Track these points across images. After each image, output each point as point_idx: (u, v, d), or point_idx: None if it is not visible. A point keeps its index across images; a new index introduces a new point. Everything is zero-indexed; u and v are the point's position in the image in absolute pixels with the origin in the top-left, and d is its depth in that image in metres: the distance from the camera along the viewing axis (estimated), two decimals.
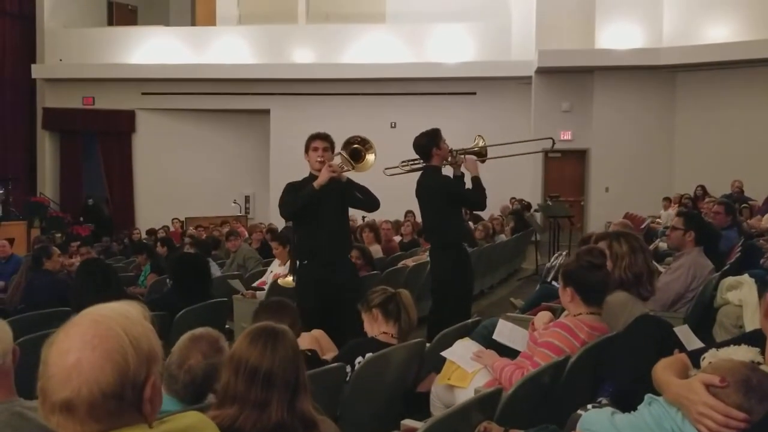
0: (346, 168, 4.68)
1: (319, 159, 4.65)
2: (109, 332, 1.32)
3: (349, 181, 4.71)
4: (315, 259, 4.69)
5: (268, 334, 2.00)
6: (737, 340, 2.01)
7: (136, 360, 1.32)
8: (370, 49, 16.98)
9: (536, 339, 3.17)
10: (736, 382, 1.71)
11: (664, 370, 1.92)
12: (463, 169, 5.27)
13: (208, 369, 2.48)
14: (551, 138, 5.95)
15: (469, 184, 5.26)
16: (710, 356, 1.94)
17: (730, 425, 1.68)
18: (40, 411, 1.33)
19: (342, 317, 4.44)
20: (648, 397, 1.91)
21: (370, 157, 4.81)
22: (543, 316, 3.42)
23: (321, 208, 4.57)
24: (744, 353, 1.89)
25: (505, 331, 3.65)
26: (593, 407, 2.23)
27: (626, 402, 2.20)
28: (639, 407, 1.91)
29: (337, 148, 4.83)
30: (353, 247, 5.46)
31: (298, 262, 4.86)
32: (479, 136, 5.46)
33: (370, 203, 4.85)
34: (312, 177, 4.70)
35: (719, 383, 1.71)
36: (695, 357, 2.02)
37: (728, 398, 1.70)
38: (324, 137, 4.74)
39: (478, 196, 5.17)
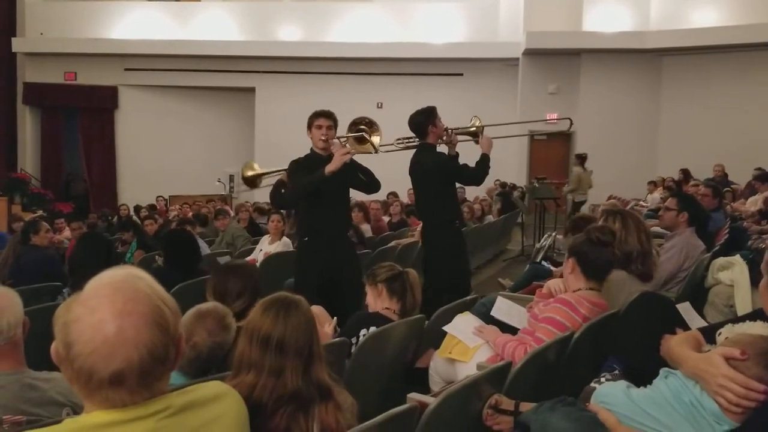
0: (354, 150, 4.69)
1: (322, 137, 4.64)
2: (139, 294, 1.29)
3: (353, 161, 4.70)
4: (316, 236, 4.69)
5: (280, 303, 2.03)
6: (752, 316, 2.03)
7: (172, 316, 1.31)
8: (357, 27, 16.87)
9: (537, 315, 3.19)
10: (757, 354, 1.73)
11: (680, 344, 1.93)
12: (466, 147, 5.27)
13: (214, 347, 2.48)
14: (569, 118, 5.90)
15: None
16: (726, 331, 1.96)
17: (750, 397, 1.70)
18: (80, 392, 1.27)
19: (339, 294, 4.45)
20: (664, 370, 1.92)
21: (375, 139, 4.83)
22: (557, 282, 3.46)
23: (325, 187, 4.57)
24: (760, 328, 1.91)
25: (504, 308, 3.67)
26: (607, 380, 2.25)
27: (634, 378, 2.22)
28: (655, 381, 1.92)
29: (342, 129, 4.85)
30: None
31: (299, 239, 4.88)
32: (475, 116, 5.45)
33: (371, 185, 4.86)
34: (314, 154, 4.70)
35: (739, 356, 1.73)
36: (708, 334, 2.04)
37: (748, 370, 1.71)
38: (328, 115, 4.71)
39: (478, 171, 5.15)
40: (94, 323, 1.24)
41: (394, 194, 11.37)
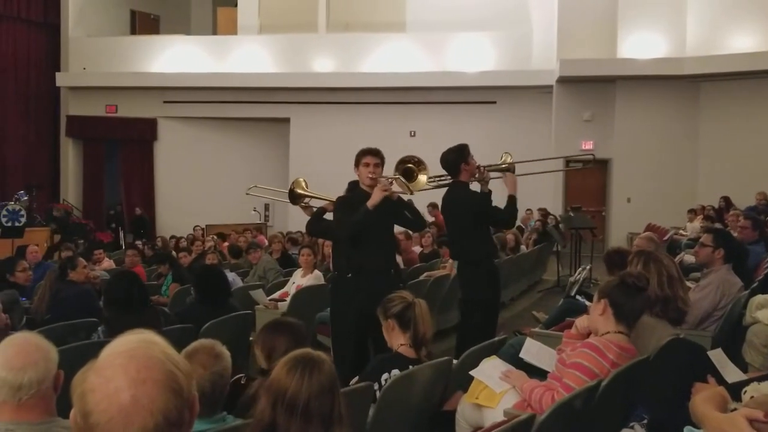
0: (401, 190, 4.70)
1: (370, 175, 4.67)
2: (152, 361, 1.31)
3: (400, 199, 4.72)
4: (360, 272, 4.69)
5: (305, 363, 2.00)
6: None
7: (185, 380, 1.32)
8: (389, 58, 17.01)
9: (565, 360, 3.15)
10: None
11: (704, 403, 1.89)
12: (498, 184, 5.24)
13: (214, 378, 2.50)
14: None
15: (497, 202, 5.23)
16: (752, 390, 1.91)
17: None
18: None
19: (377, 332, 4.43)
20: (687, 429, 1.88)
21: (422, 178, 4.83)
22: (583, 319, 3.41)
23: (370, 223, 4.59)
24: None
25: (533, 350, 3.62)
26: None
27: (662, 430, 2.17)
28: None
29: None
30: None
31: (338, 274, 4.91)
32: (506, 153, 5.42)
33: (418, 223, 4.86)
34: (362, 192, 4.74)
35: (762, 418, 1.68)
36: (734, 390, 1.99)
37: None
38: (375, 153, 4.75)
39: (508, 214, 5.13)
40: (110, 392, 1.26)
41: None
